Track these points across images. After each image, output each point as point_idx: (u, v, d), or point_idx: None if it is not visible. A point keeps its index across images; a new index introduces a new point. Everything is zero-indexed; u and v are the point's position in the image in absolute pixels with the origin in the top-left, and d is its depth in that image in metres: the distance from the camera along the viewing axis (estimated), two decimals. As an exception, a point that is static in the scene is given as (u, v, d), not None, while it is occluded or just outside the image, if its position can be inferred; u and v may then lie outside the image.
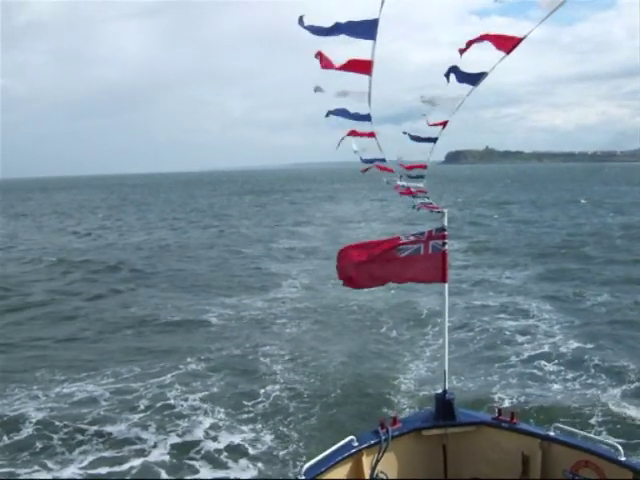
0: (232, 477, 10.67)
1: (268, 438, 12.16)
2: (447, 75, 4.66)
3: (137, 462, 11.22)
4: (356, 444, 6.45)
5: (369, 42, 4.28)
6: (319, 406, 13.59)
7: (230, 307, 23.29)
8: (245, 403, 13.91)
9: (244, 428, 12.65)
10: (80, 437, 12.21)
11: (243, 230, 51.58)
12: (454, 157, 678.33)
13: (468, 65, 4.69)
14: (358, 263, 7.24)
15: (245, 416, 13.25)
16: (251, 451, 11.69)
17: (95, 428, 12.54)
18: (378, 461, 6.49)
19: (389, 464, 6.71)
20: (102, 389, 14.75)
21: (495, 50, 4.17)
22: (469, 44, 4.22)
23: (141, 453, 11.55)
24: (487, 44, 4.18)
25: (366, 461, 6.51)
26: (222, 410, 13.50)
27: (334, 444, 6.30)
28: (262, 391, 14.50)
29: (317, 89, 5.14)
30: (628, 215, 56.10)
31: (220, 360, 16.82)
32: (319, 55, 4.62)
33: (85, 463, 11.24)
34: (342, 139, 7.37)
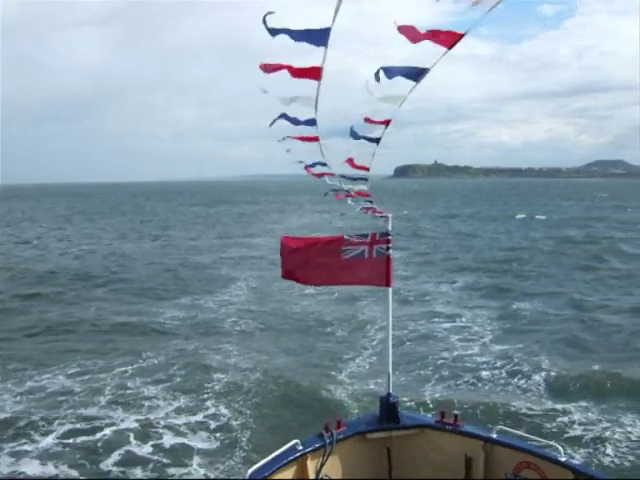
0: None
1: (219, 440, 13.08)
2: (377, 74, 4.54)
3: (108, 431, 13.11)
4: (300, 448, 6.50)
5: (320, 56, 4.39)
6: (263, 410, 14.42)
7: (183, 308, 25.31)
8: (197, 396, 15.32)
9: (198, 414, 14.22)
10: (56, 415, 13.93)
11: (191, 241, 53.16)
12: (403, 171, 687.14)
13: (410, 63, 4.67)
14: (301, 258, 7.40)
15: (196, 406, 14.72)
16: (205, 433, 13.24)
17: (70, 411, 14.22)
18: (322, 465, 6.57)
19: (333, 467, 6.78)
20: (71, 381, 16.38)
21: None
22: (411, 36, 4.11)
23: (111, 425, 13.41)
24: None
25: (310, 465, 6.57)
26: (180, 396, 15.24)
27: (278, 448, 6.39)
28: (210, 387, 15.86)
29: (264, 91, 5.14)
30: (564, 229, 59.85)
31: (175, 355, 18.57)
32: (264, 66, 4.70)
33: (63, 432, 13.09)
34: (284, 138, 7.10)
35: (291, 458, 6.39)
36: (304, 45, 4.27)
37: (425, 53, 4.24)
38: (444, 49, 4.02)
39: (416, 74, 4.52)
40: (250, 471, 5.96)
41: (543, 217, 76.35)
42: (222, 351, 18.94)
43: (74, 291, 29.98)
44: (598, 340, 20.01)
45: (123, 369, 17.21)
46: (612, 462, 11.77)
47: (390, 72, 4.54)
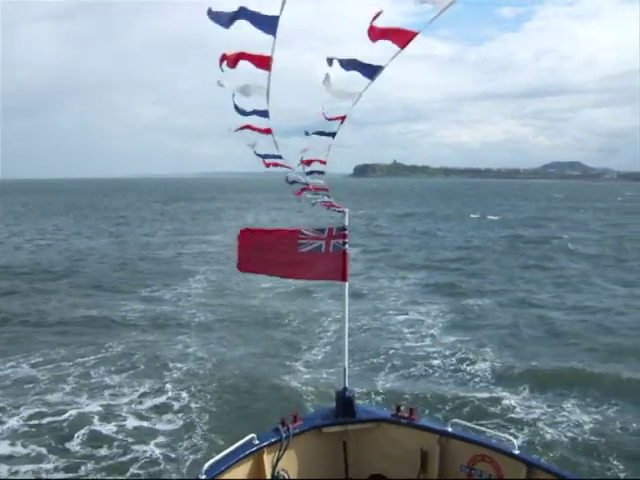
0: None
1: (179, 422, 13.75)
2: (330, 60, 4.70)
3: (73, 414, 13.88)
4: (257, 442, 6.51)
5: (277, 52, 4.45)
6: (221, 397, 14.93)
7: (143, 301, 26.21)
8: (157, 383, 16.01)
9: (159, 399, 14.99)
10: (23, 401, 14.64)
11: (149, 237, 53.63)
12: (362, 170, 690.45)
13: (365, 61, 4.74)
14: (258, 250, 7.42)
15: (157, 396, 15.29)
16: (165, 416, 14.05)
17: (35, 397, 14.92)
18: (279, 459, 6.59)
19: (290, 462, 6.81)
20: (35, 370, 16.99)
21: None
22: (373, 32, 4.15)
23: (76, 409, 14.19)
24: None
25: (267, 459, 6.59)
26: (141, 383, 15.98)
27: (234, 442, 6.42)
28: (170, 375, 16.64)
29: (219, 83, 5.21)
30: (517, 229, 62.03)
31: (135, 346, 19.27)
32: (222, 55, 4.76)
33: (29, 414, 13.85)
34: (239, 129, 7.15)
35: (247, 453, 6.40)
36: (260, 42, 4.36)
37: (382, 52, 4.27)
38: (398, 48, 4.12)
39: (371, 71, 4.64)
40: (206, 466, 5.95)
41: (496, 217, 78.50)
42: (181, 342, 19.73)
43: (32, 284, 30.30)
44: (542, 335, 21.19)
45: (86, 359, 17.86)
46: (552, 445, 12.59)
47: (345, 65, 4.70)
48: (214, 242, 48.09)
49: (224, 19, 4.35)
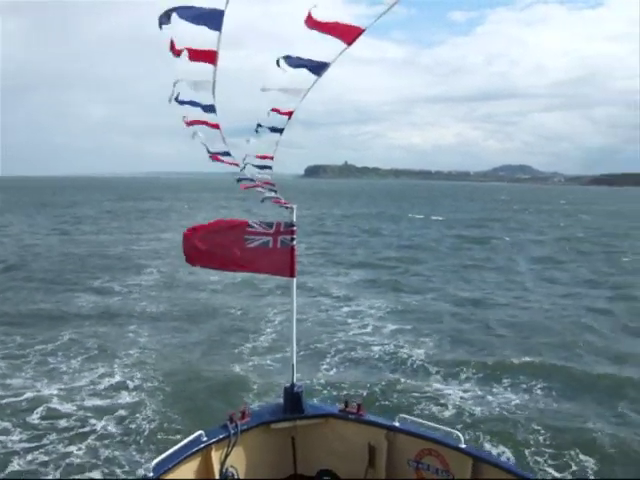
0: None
1: (130, 408, 14.33)
2: (278, 62, 4.73)
3: (33, 394, 14.99)
4: (205, 439, 6.52)
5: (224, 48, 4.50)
6: (165, 401, 14.75)
7: (94, 293, 27.42)
8: (110, 370, 16.82)
9: (113, 382, 15.97)
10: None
11: (98, 235, 53.94)
12: (313, 171, 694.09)
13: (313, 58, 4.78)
14: (205, 243, 7.45)
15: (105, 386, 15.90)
16: (118, 398, 14.94)
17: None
18: (227, 455, 6.62)
19: (238, 458, 6.84)
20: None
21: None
22: (314, 24, 4.19)
23: (35, 390, 15.29)
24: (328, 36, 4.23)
25: (215, 456, 6.60)
26: (96, 369, 16.94)
27: (182, 435, 6.61)
28: (121, 363, 17.39)
29: (174, 84, 5.24)
30: (460, 229, 64.94)
31: (89, 335, 20.27)
32: (171, 43, 4.70)
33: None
34: (189, 123, 7.14)
35: (195, 449, 6.42)
36: (210, 40, 4.39)
37: (330, 50, 4.33)
38: (345, 45, 4.17)
39: (317, 67, 4.71)
40: (154, 463, 5.93)
41: (440, 218, 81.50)
42: (132, 332, 20.84)
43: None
44: (476, 328, 22.78)
45: (42, 347, 18.90)
46: (483, 423, 13.60)
47: (292, 61, 4.71)
48: (164, 239, 48.83)
49: (165, 19, 4.32)
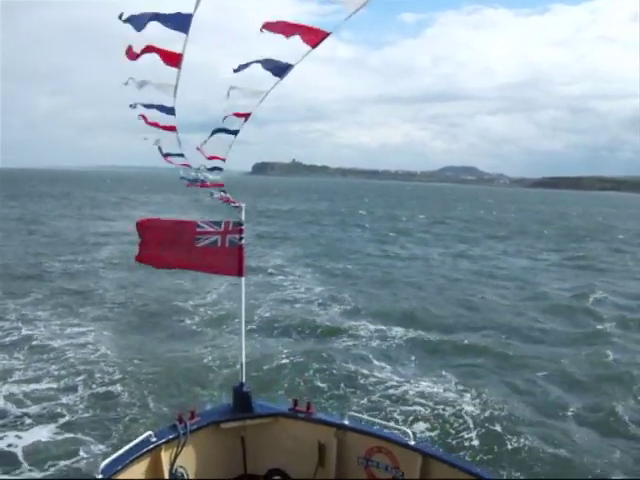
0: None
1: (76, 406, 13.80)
2: (236, 69, 4.73)
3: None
4: (154, 440, 6.52)
5: (179, 46, 4.47)
6: (115, 403, 14.16)
7: (62, 264, 31.04)
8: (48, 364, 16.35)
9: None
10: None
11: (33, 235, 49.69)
12: (261, 168, 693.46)
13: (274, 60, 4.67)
14: (155, 242, 7.41)
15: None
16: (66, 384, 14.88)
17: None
18: (177, 456, 6.63)
19: (188, 459, 6.87)
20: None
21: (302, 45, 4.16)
22: (274, 27, 4.16)
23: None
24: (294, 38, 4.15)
25: (164, 456, 6.61)
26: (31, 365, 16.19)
27: (131, 440, 6.39)
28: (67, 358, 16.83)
29: (126, 83, 5.19)
30: (392, 222, 72.59)
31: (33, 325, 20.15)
32: (129, 49, 4.71)
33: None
34: (145, 122, 7.13)
35: (144, 450, 6.40)
36: (166, 35, 4.21)
37: (289, 51, 4.28)
38: (308, 48, 4.14)
39: (280, 70, 4.71)
40: (102, 465, 5.91)
41: (364, 213, 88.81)
42: (80, 325, 20.43)
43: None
44: (398, 304, 25.37)
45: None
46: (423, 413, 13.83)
47: (260, 63, 4.69)
48: (118, 234, 46.68)
49: (137, 23, 4.30)
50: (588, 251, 48.36)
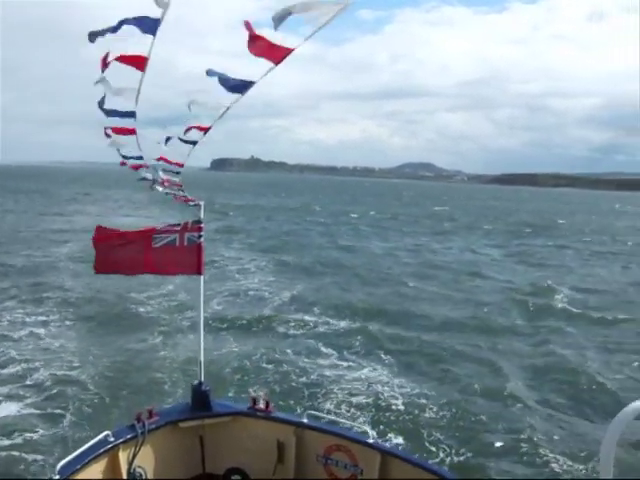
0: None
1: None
2: (208, 72, 4.57)
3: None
4: (112, 439, 6.47)
5: (142, 46, 4.34)
6: (72, 402, 13.94)
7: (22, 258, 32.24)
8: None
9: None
10: None
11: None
12: (220, 164, 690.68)
13: (236, 74, 4.59)
14: (113, 250, 7.32)
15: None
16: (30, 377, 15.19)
17: None
18: (135, 455, 6.60)
19: (146, 458, 6.84)
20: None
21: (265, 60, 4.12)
22: (254, 40, 4.04)
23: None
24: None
25: (122, 456, 6.57)
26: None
27: (89, 440, 6.32)
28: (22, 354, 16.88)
29: (98, 81, 5.07)
30: (350, 218, 75.55)
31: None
32: (103, 60, 4.64)
33: None
34: (108, 135, 7.01)
35: (102, 450, 6.35)
36: (126, 30, 4.14)
37: (250, 61, 4.12)
38: (272, 64, 4.08)
39: (242, 87, 4.62)
40: (60, 465, 5.84)
41: (318, 208, 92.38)
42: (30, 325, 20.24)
43: None
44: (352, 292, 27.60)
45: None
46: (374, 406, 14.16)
47: (219, 80, 4.58)
48: (77, 231, 45.75)
49: (108, 31, 4.25)
50: (530, 247, 50.56)
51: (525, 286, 30.80)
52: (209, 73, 4.57)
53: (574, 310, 25.26)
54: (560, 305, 26.16)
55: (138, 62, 4.57)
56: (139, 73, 4.69)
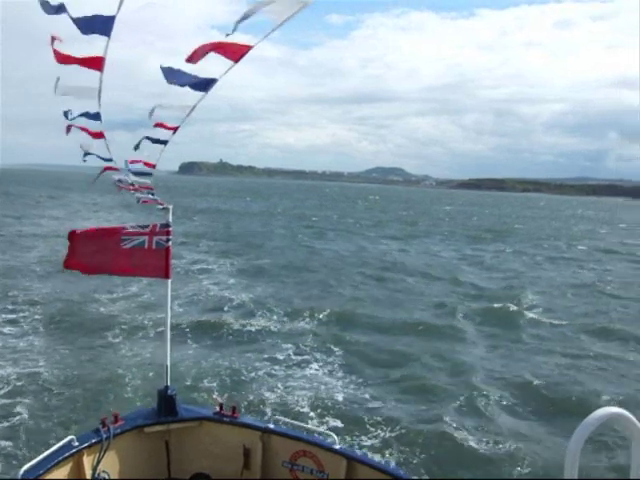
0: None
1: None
2: (164, 71, 4.57)
3: None
4: (76, 444, 6.39)
5: (103, 45, 4.30)
6: (37, 405, 14.00)
7: None
8: None
9: None
10: None
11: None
12: (188, 168, 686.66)
13: (199, 73, 4.54)
14: (83, 248, 7.31)
15: None
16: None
17: None
18: (99, 461, 6.51)
19: (111, 463, 6.77)
20: None
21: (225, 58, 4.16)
22: (197, 55, 4.15)
23: None
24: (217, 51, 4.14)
25: (87, 461, 6.49)
26: None
27: (53, 444, 6.27)
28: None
29: (57, 82, 5.06)
30: (303, 220, 77.92)
31: None
32: (55, 52, 4.52)
33: None
34: (69, 129, 6.92)
35: (66, 455, 6.29)
36: (91, 37, 4.07)
37: (214, 61, 4.13)
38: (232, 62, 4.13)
39: (204, 84, 4.63)
40: (23, 469, 5.79)
41: (281, 211, 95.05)
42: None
43: None
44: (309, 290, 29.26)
45: None
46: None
47: (178, 79, 4.60)
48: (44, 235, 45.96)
49: (51, 9, 3.99)
50: (485, 252, 51.86)
51: (473, 290, 32.13)
52: (165, 72, 4.60)
53: (519, 312, 26.21)
54: (512, 309, 26.75)
55: (95, 63, 4.56)
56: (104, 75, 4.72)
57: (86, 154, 8.57)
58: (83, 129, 7.08)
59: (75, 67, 4.63)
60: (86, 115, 6.25)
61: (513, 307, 27.01)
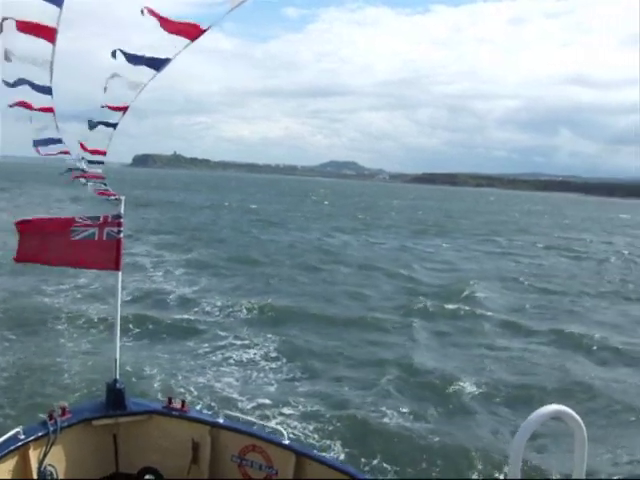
0: None
1: None
2: (114, 53, 4.51)
3: None
4: (22, 437, 6.32)
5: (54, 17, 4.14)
6: None
7: None
8: None
9: None
10: None
11: None
12: (142, 160, 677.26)
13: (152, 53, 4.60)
14: (34, 239, 7.20)
15: None
16: None
17: None
18: (46, 454, 6.43)
19: (58, 456, 6.67)
20: None
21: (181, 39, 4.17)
22: (153, 14, 4.04)
23: None
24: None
25: (33, 454, 6.42)
26: None
27: None
28: None
29: (7, 57, 4.70)
30: (260, 214, 78.52)
31: None
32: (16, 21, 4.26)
33: None
34: (14, 104, 6.34)
35: (12, 448, 6.22)
36: (40, 11, 3.93)
37: (168, 42, 4.18)
38: (187, 41, 4.16)
39: (158, 63, 4.61)
40: None
41: (227, 203, 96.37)
42: None
43: None
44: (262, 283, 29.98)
45: None
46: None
47: (133, 59, 4.59)
48: None
49: None
50: (426, 245, 53.71)
51: (410, 283, 33.05)
52: (121, 52, 4.55)
53: (440, 305, 26.77)
54: (452, 306, 26.93)
55: (47, 33, 4.35)
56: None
57: (37, 143, 7.94)
58: (27, 105, 6.38)
59: (21, 39, 4.44)
60: (33, 86, 5.69)
61: (442, 299, 28.03)
